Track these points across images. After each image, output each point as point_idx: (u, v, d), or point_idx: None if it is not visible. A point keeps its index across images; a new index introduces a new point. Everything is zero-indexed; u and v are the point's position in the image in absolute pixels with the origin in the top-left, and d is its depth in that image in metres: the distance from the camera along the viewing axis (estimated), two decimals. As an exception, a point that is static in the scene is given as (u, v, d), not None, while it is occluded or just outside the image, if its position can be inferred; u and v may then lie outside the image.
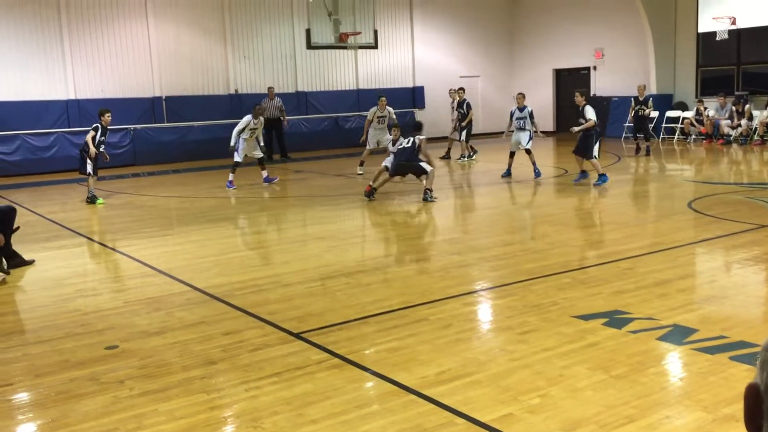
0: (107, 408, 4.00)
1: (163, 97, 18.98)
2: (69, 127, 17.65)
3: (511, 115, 13.78)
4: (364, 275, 6.85)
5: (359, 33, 18.62)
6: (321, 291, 6.36)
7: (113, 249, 8.53)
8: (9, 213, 7.64)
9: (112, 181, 15.60)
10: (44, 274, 7.42)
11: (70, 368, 4.65)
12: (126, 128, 18.16)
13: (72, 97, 17.84)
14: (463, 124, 17.31)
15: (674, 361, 4.55)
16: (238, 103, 19.09)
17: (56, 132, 17.43)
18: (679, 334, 4.83)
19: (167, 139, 18.73)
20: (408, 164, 11.66)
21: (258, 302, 5.99)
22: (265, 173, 14.10)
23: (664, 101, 20.55)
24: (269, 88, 18.83)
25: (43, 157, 17.15)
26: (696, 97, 20.18)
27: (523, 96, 13.99)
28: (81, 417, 3.90)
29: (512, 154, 13.71)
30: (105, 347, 5.02)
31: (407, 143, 11.70)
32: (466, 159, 17.27)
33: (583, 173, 12.59)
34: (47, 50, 17.54)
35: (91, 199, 12.24)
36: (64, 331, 5.45)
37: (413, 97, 22.99)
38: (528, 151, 13.56)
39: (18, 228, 7.78)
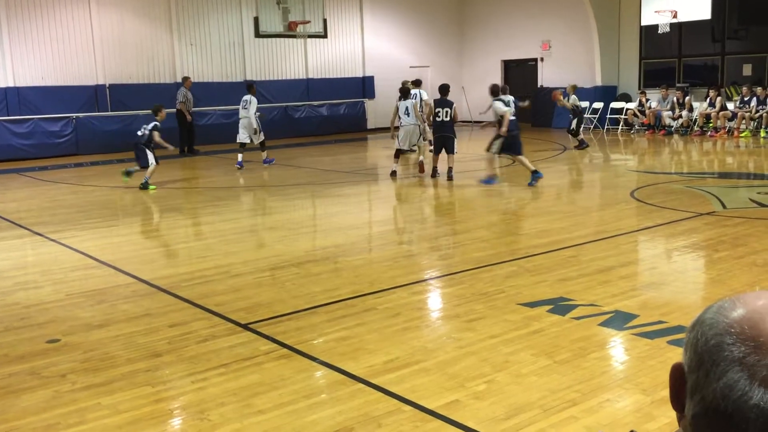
0: (48, 403, 3.91)
1: (107, 85, 18.50)
2: (8, 116, 17.08)
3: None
4: (313, 265, 6.84)
5: (308, 22, 18.50)
6: (270, 281, 6.33)
7: (55, 241, 8.31)
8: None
9: (54, 171, 15.18)
10: (-18, 266, 7.18)
11: (10, 363, 4.52)
12: (68, 117, 17.67)
13: (11, 84, 17.24)
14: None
15: (615, 346, 4.68)
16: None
17: (-6, 120, 16.87)
18: (620, 320, 4.96)
19: (111, 129, 18.28)
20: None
21: (205, 293, 5.92)
22: (264, 155, 15.01)
23: (608, 93, 20.98)
24: (184, 78, 18.11)
25: (-19, 147, 16.59)
26: (639, 88, 20.65)
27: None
28: (20, 412, 3.81)
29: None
30: (46, 341, 4.90)
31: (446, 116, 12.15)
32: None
33: (535, 173, 11.29)
34: (-16, 36, 16.92)
35: (144, 185, 12.13)
36: (2, 324, 5.30)
37: (363, 86, 22.95)
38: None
39: None
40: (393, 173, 12.88)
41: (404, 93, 13.07)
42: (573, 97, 16.58)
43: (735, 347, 0.79)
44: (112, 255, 7.45)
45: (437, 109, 12.03)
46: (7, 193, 12.45)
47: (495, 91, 11.75)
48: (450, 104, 12.04)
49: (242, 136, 14.78)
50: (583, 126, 17.01)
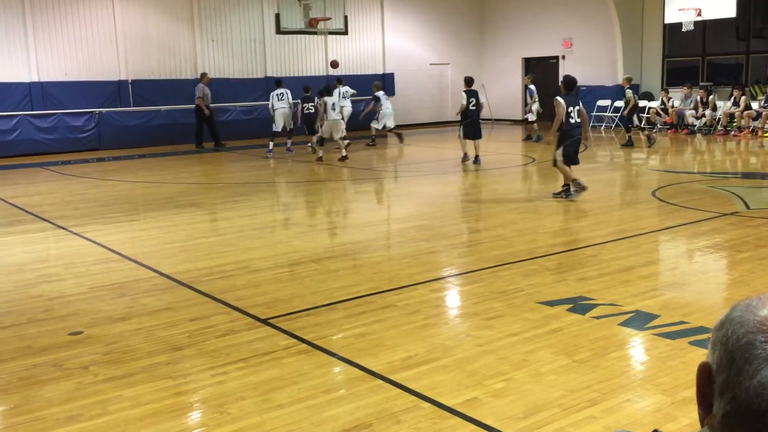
0: (71, 394, 3.96)
1: (129, 81, 18.66)
2: (32, 110, 17.28)
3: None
4: (332, 261, 6.86)
5: (329, 18, 18.50)
6: (289, 277, 6.35)
7: (78, 234, 8.40)
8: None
9: (77, 166, 15.35)
10: (6, 259, 7.29)
11: (33, 354, 4.59)
12: (91, 112, 17.86)
13: (35, 79, 17.45)
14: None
15: (636, 345, 4.65)
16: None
17: (19, 115, 17.07)
18: (640, 320, 4.93)
19: (133, 123, 18.47)
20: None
21: (225, 288, 5.96)
22: (289, 142, 16.75)
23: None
24: (202, 74, 18.35)
25: (5, 141, 16.80)
26: (662, 87, 20.45)
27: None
28: (44, 403, 3.86)
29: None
30: (69, 333, 4.96)
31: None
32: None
33: (465, 156, 13.90)
34: (9, 32, 17.10)
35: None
36: (26, 317, 5.37)
37: (383, 83, 22.91)
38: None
39: None
40: (320, 159, 14.82)
41: (329, 90, 15.18)
42: (629, 90, 16.46)
43: (767, 345, 0.79)
44: (133, 249, 7.52)
45: (471, 99, 13.54)
46: (31, 186, 12.61)
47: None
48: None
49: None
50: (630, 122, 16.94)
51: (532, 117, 17.89)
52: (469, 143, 13.74)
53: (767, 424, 0.77)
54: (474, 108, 13.49)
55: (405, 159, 16.42)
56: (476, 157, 13.61)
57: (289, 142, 16.88)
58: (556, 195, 9.90)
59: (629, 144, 16.27)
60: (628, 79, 16.85)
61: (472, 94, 13.52)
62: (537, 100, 17.97)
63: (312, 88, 16.50)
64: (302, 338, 4.73)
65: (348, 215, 10.08)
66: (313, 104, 15.84)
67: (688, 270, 6.47)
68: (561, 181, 10.05)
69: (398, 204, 10.96)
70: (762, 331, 0.80)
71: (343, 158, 14.83)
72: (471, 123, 13.46)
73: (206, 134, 18.11)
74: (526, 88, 18.42)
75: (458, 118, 14.09)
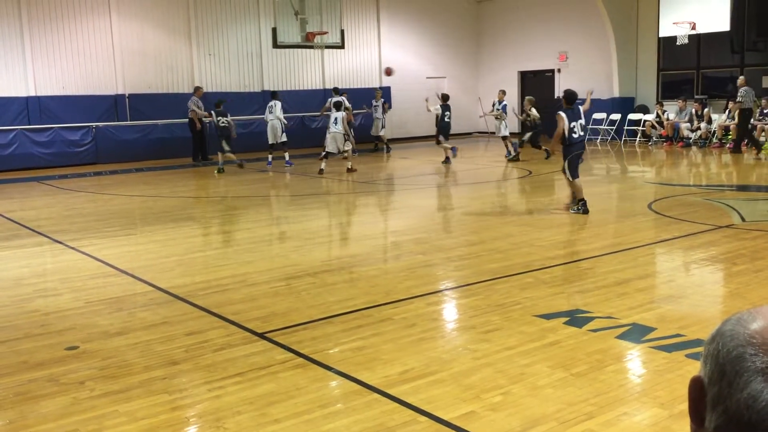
0: (67, 409, 3.94)
1: (127, 95, 18.70)
2: (29, 125, 17.30)
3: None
4: (329, 275, 6.85)
5: (326, 32, 18.61)
6: (286, 291, 6.35)
7: (74, 248, 8.39)
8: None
9: (74, 180, 15.35)
10: (2, 273, 7.27)
11: (29, 369, 4.57)
12: (88, 126, 17.88)
13: (32, 93, 17.48)
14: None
15: (633, 358, 4.65)
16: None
17: (16, 129, 17.08)
18: (637, 333, 4.93)
19: (130, 138, 18.48)
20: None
21: (222, 302, 5.96)
22: (286, 156, 16.89)
23: (625, 104, 20.91)
24: (196, 88, 18.28)
25: (2, 155, 16.80)
26: (657, 100, 20.55)
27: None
28: (40, 418, 3.85)
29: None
30: (65, 348, 4.95)
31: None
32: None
33: (447, 159, 16.54)
34: (6, 46, 17.16)
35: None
36: (23, 331, 5.35)
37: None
38: None
39: None
40: (321, 171, 14.92)
41: (337, 105, 15.54)
42: (533, 109, 17.11)
43: (757, 358, 0.80)
44: (130, 263, 7.51)
45: (446, 112, 16.28)
46: (27, 201, 12.60)
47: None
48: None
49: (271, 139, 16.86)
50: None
51: (506, 132, 17.78)
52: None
53: None
54: (448, 120, 16.42)
55: (402, 172, 16.45)
56: (447, 157, 16.46)
57: (286, 155, 16.83)
58: (572, 210, 9.78)
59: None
60: (531, 101, 17.14)
61: (446, 108, 16.38)
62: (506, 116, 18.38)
63: (224, 103, 16.30)
64: (299, 352, 4.72)
65: (345, 228, 10.09)
66: (226, 119, 15.61)
67: (684, 283, 6.48)
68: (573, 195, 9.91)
69: (395, 217, 10.98)
70: (752, 344, 0.81)
71: (349, 170, 15.23)
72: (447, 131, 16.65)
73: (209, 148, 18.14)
74: (501, 104, 18.03)
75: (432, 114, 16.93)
